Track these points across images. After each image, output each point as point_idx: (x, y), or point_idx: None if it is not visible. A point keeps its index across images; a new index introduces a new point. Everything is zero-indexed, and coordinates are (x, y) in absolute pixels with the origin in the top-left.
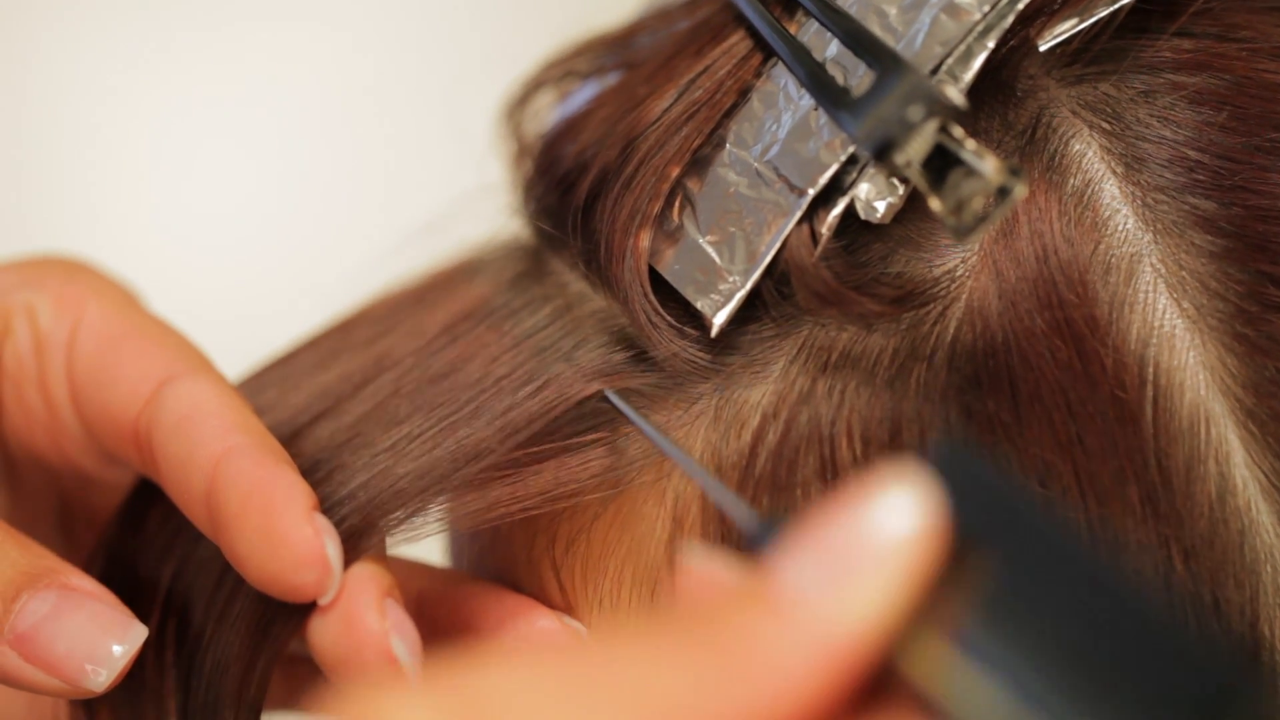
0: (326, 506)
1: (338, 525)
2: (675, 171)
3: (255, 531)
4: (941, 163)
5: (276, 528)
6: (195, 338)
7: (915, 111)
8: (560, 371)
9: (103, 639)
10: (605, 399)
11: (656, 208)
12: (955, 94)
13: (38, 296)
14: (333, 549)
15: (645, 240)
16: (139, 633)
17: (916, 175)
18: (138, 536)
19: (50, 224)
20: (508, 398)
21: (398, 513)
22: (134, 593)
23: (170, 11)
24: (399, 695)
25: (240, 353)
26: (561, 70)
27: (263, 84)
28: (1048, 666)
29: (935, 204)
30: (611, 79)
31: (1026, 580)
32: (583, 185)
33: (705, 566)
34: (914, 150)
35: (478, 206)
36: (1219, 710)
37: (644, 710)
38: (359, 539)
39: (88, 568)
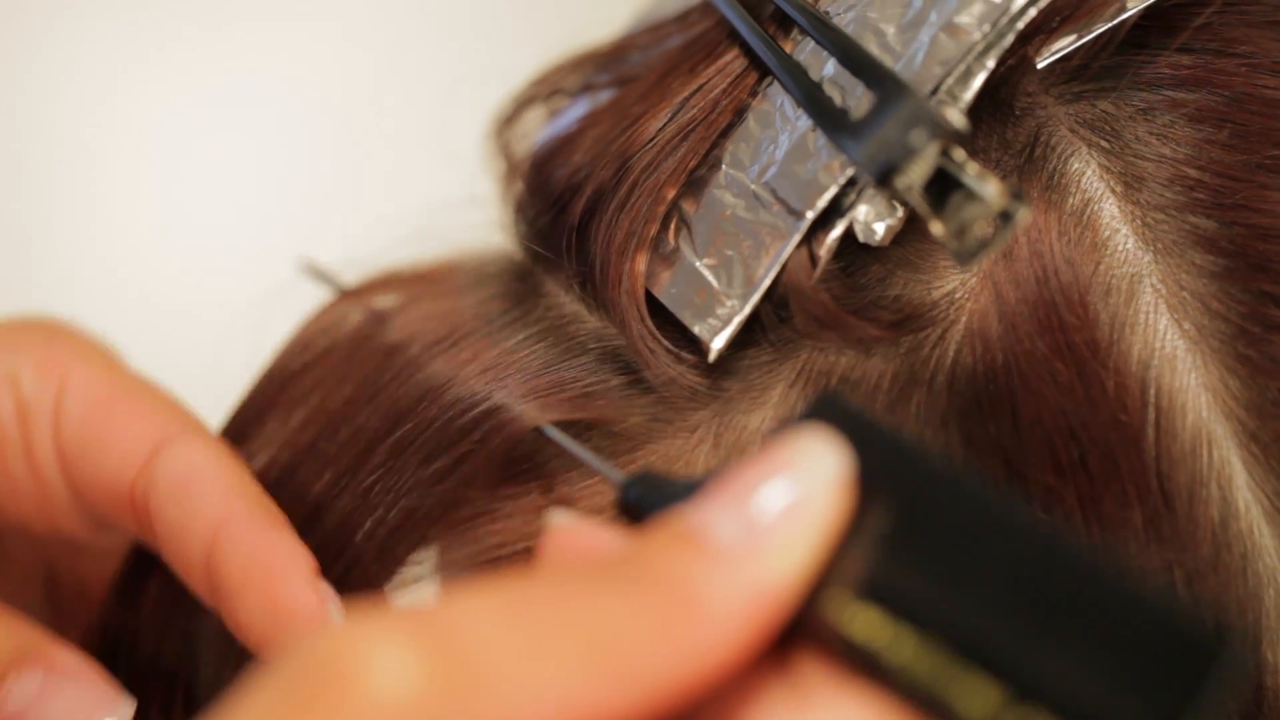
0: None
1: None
2: (671, 193)
3: (258, 600)
4: (942, 186)
5: (279, 596)
6: (187, 338)
7: (918, 136)
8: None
9: (91, 717)
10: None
11: (653, 230)
12: (958, 117)
13: (18, 361)
14: (336, 614)
15: (642, 264)
16: (127, 708)
17: (917, 199)
18: (136, 610)
19: (50, 223)
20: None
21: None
22: (136, 669)
23: (157, 28)
24: (367, 629)
25: (234, 351)
26: (550, 87)
27: (252, 93)
28: (984, 621)
29: (937, 228)
30: (602, 97)
31: (926, 521)
32: (576, 206)
33: (574, 529)
34: (915, 174)
35: (464, 217)
36: (1198, 670)
37: (591, 644)
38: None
39: (85, 644)
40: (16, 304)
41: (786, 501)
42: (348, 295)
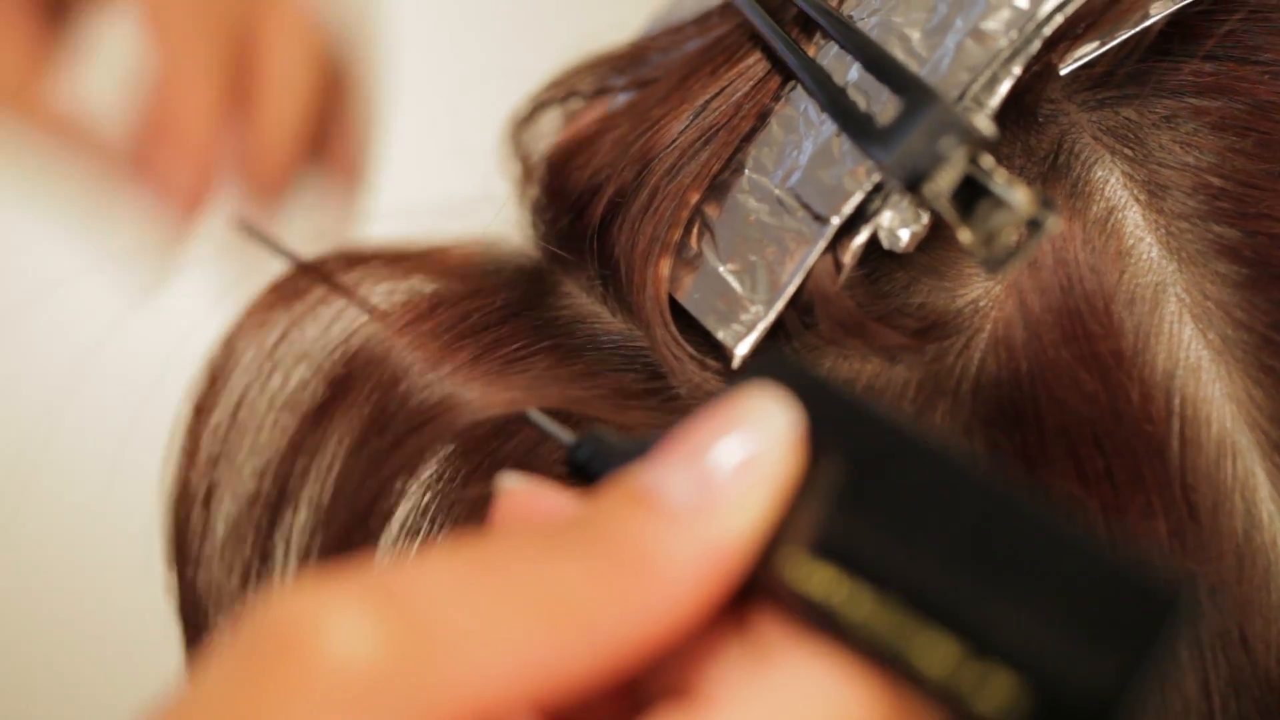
0: None
1: None
2: (694, 197)
3: None
4: (970, 193)
5: None
6: (196, 342)
7: (947, 143)
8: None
9: None
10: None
11: (676, 235)
12: (986, 124)
13: None
14: None
15: (665, 268)
16: None
17: (945, 206)
18: None
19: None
20: None
21: None
22: None
23: None
24: (323, 594)
25: None
26: (566, 89)
27: None
28: (936, 575)
29: (965, 236)
30: (621, 99)
31: (880, 477)
32: (596, 209)
33: (526, 491)
34: (943, 181)
35: (478, 216)
36: (1151, 619)
37: (547, 607)
38: None
39: None
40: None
41: (739, 459)
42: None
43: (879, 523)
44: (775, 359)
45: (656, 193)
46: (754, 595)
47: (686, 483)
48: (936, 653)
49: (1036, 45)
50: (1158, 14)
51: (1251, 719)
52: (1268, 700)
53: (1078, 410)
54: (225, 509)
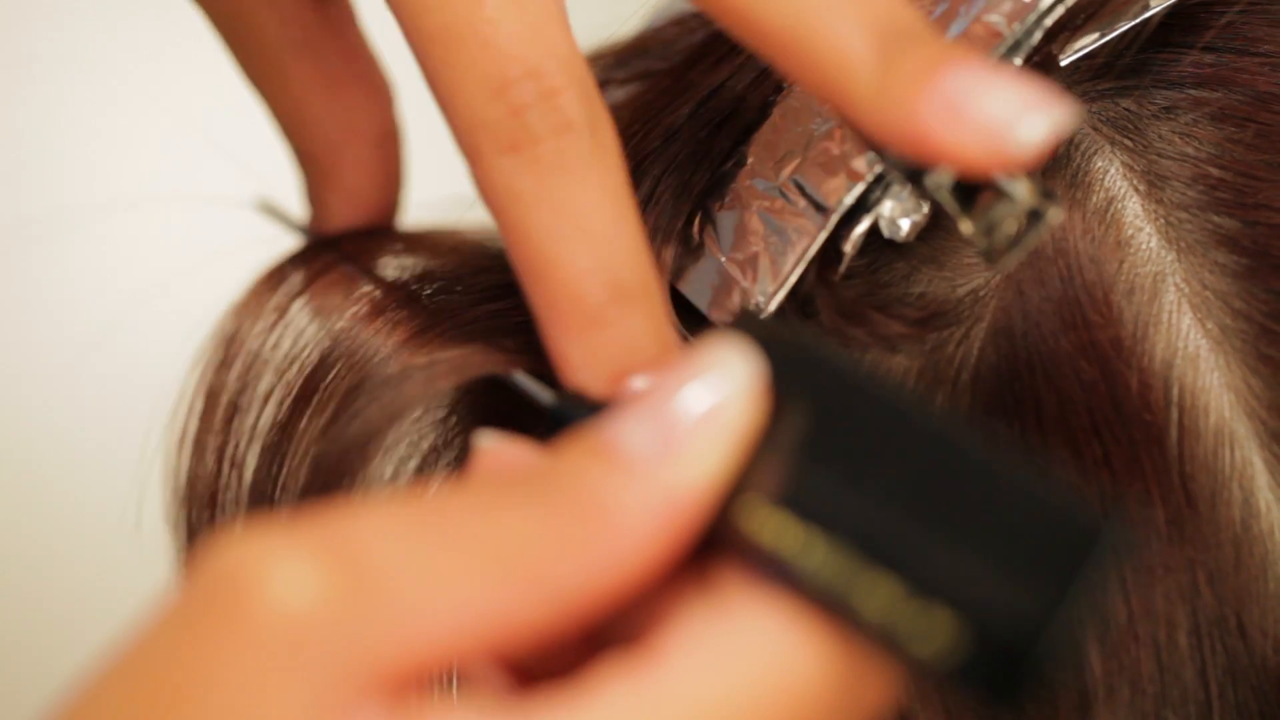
0: None
1: None
2: (696, 189)
3: None
4: (971, 184)
5: None
6: (196, 339)
7: None
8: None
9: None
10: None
11: (679, 225)
12: None
13: None
14: None
15: (668, 259)
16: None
17: (946, 197)
18: None
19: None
20: None
21: None
22: None
23: (175, 12)
24: (267, 541)
25: None
26: None
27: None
28: (886, 520)
29: (966, 226)
30: (623, 91)
31: (836, 426)
32: None
33: (501, 449)
34: (944, 172)
35: (477, 213)
36: (1079, 551)
37: (497, 556)
38: None
39: None
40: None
41: (699, 410)
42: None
43: (833, 471)
44: (742, 315)
45: (659, 184)
46: (715, 545)
47: (645, 434)
48: (880, 596)
49: (1037, 36)
50: (1157, 6)
51: (1249, 707)
52: (1265, 688)
53: (1076, 399)
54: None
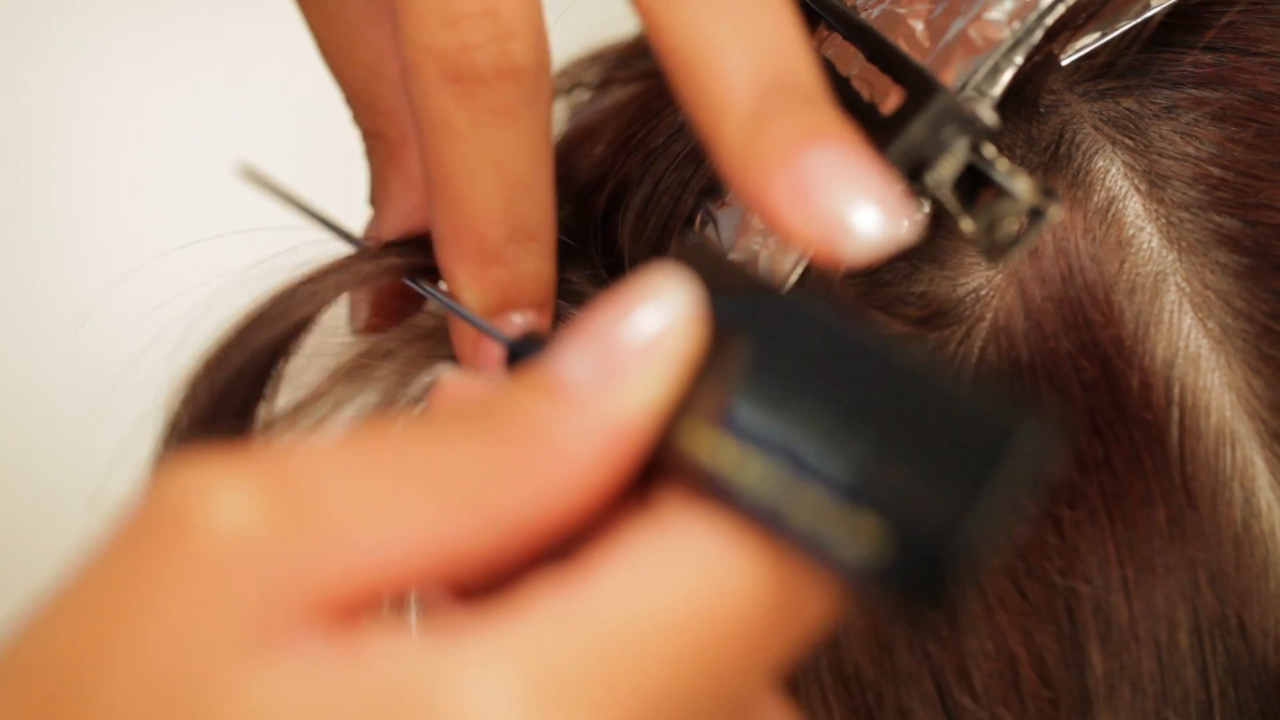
0: None
1: None
2: (698, 188)
3: None
4: (972, 183)
5: None
6: (194, 340)
7: (949, 132)
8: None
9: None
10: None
11: (678, 224)
12: (988, 113)
13: None
14: None
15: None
16: None
17: (947, 196)
18: None
19: (49, 223)
20: None
21: None
22: None
23: (170, 11)
24: (209, 470)
25: None
26: (571, 81)
27: (261, 88)
28: (817, 434)
29: (966, 225)
30: (625, 91)
31: (773, 350)
32: (600, 198)
33: (461, 383)
34: (945, 170)
35: None
36: (998, 449)
37: (440, 486)
38: None
39: None
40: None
41: (638, 339)
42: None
43: (769, 391)
44: (683, 245)
45: (660, 183)
46: (658, 472)
47: (587, 364)
48: (809, 506)
49: (1038, 35)
50: (1159, 5)
51: (1250, 706)
52: (1266, 688)
53: (1077, 399)
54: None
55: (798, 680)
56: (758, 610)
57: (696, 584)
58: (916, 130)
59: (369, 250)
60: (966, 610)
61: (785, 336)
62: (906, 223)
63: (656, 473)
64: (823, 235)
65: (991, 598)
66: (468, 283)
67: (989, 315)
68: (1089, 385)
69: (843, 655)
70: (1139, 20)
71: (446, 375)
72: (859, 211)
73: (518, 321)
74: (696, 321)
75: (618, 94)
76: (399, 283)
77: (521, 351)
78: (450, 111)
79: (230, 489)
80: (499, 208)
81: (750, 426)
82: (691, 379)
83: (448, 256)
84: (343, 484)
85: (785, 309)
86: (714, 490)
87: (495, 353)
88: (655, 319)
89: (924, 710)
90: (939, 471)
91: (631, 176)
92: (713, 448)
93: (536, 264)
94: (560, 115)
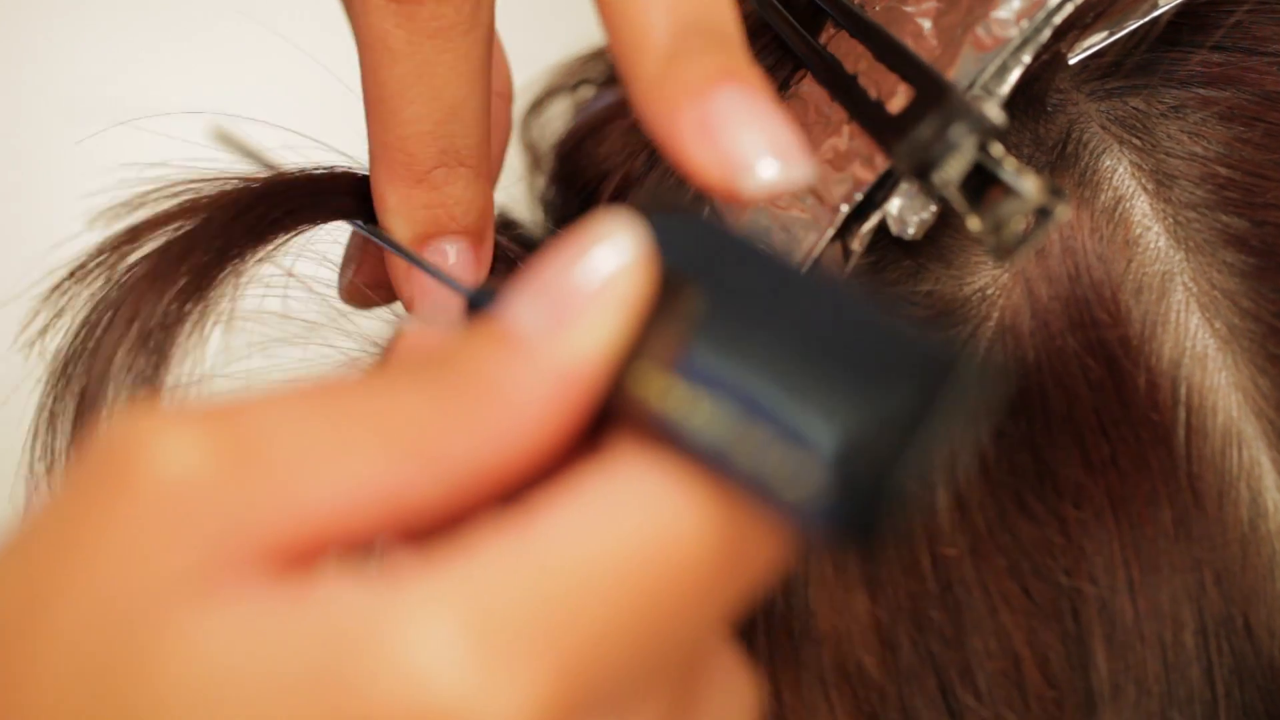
0: None
1: None
2: None
3: None
4: (979, 181)
5: None
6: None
7: (957, 131)
8: None
9: None
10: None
11: None
12: (996, 112)
13: None
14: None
15: None
16: None
17: (954, 194)
18: None
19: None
20: None
21: None
22: None
23: (158, 26)
24: (156, 417)
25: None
26: (576, 78)
27: (264, 83)
28: (764, 374)
29: (974, 223)
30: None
31: (738, 301)
32: (604, 194)
33: (421, 333)
34: (953, 169)
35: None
36: (935, 383)
37: (388, 433)
38: None
39: None
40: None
41: (587, 285)
42: None
43: (718, 334)
44: (640, 191)
45: (664, 180)
46: (609, 417)
47: (537, 311)
48: (755, 445)
49: (1046, 34)
50: (1166, 4)
51: (1255, 707)
52: (1272, 688)
53: (1084, 398)
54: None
55: (801, 678)
56: (706, 554)
57: (643, 527)
58: (924, 129)
59: (306, 187)
60: (968, 608)
61: (736, 279)
62: (804, 165)
63: (609, 418)
64: (724, 173)
65: (996, 597)
66: (395, 205)
67: (995, 314)
68: (1095, 385)
69: (846, 653)
70: (1147, 19)
71: (404, 326)
72: (759, 151)
73: (449, 251)
74: (646, 265)
75: (622, 90)
76: (382, 249)
77: (479, 302)
78: (389, 31)
79: (177, 435)
80: (429, 129)
81: (700, 369)
82: (642, 323)
83: (378, 177)
84: (291, 431)
85: (737, 250)
86: (664, 433)
87: (427, 284)
88: (605, 263)
89: (928, 709)
90: (879, 410)
91: (635, 173)
92: (663, 391)
93: (465, 189)
94: (565, 112)
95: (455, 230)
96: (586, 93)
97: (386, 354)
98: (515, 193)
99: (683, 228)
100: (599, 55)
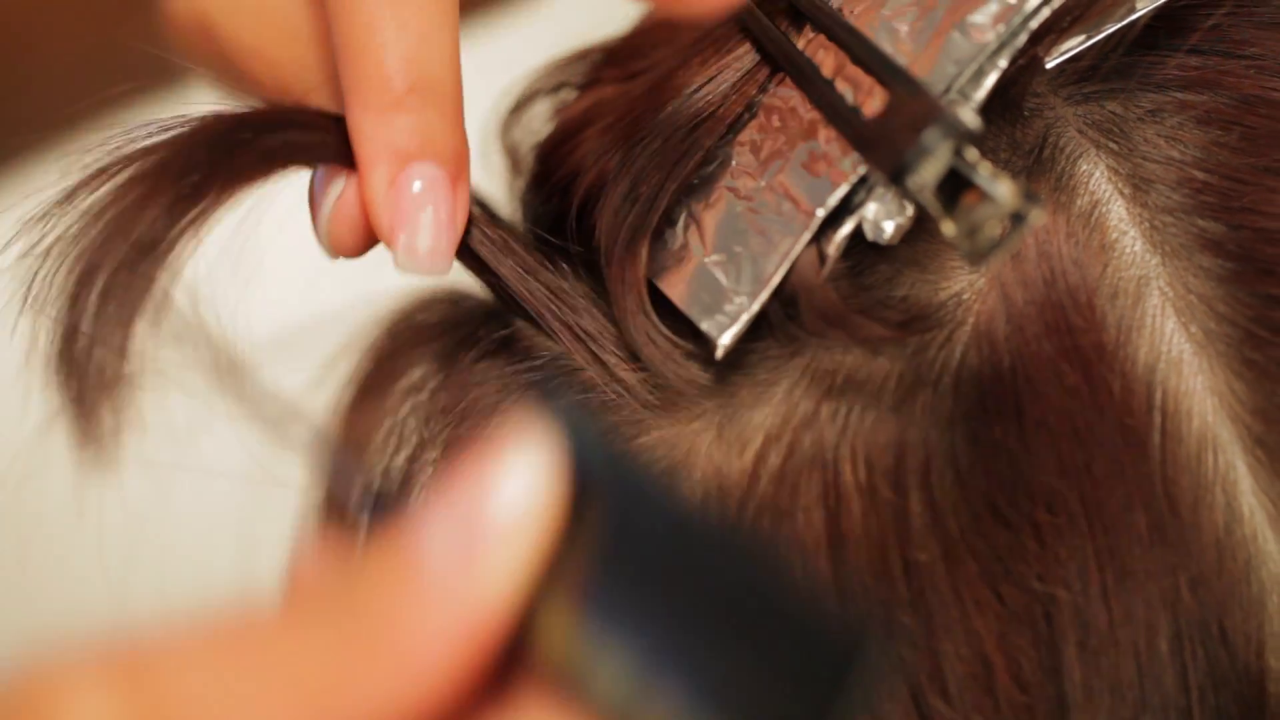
0: None
1: None
2: (674, 187)
3: None
4: (954, 186)
5: None
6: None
7: (932, 135)
8: None
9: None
10: None
11: (654, 221)
12: (971, 117)
13: None
14: None
15: (644, 254)
16: None
17: (929, 199)
18: None
19: None
20: None
21: None
22: None
23: None
24: (69, 674)
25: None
26: (556, 80)
27: None
28: (667, 643)
29: (948, 228)
30: (609, 90)
31: (642, 547)
32: (578, 192)
33: (323, 558)
34: (928, 173)
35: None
36: (838, 675)
37: (296, 689)
38: None
39: None
40: None
41: (500, 519)
42: None
43: (623, 585)
44: (556, 403)
45: (639, 179)
46: (516, 662)
47: (446, 544)
48: (660, 716)
49: (1023, 38)
50: (1144, 8)
51: (1229, 712)
52: (1246, 694)
53: (1059, 403)
54: None
55: None
56: None
57: None
58: (899, 134)
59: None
60: (939, 613)
61: (641, 520)
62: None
63: (514, 659)
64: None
65: (968, 602)
66: (370, 130)
67: (971, 319)
68: (1070, 390)
69: None
70: (1124, 23)
71: (301, 554)
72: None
73: (427, 175)
74: (559, 499)
75: (602, 92)
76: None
77: (384, 504)
78: None
79: (84, 697)
80: (400, 55)
81: (603, 625)
82: (551, 562)
83: (353, 109)
84: (200, 688)
85: (642, 488)
86: (566, 690)
87: (406, 209)
88: (518, 495)
89: (896, 712)
90: (786, 689)
91: (611, 172)
92: (566, 646)
93: (439, 118)
94: (545, 114)
95: (431, 155)
96: (567, 95)
97: (288, 584)
98: (498, 195)
99: (595, 453)
100: (579, 58)
